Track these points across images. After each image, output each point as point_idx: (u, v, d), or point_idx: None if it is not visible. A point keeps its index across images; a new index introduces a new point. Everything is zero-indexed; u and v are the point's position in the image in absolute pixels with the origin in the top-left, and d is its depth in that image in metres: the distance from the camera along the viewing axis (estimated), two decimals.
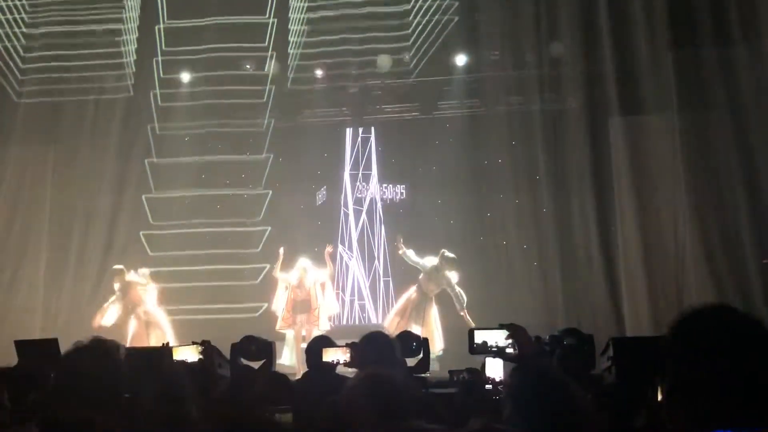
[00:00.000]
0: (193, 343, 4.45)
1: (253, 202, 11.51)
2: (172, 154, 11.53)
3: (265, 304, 10.65)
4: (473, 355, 3.11)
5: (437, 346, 9.62)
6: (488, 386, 3.86)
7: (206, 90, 11.51)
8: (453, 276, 10.03)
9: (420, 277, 10.30)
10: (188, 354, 4.42)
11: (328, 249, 10.35)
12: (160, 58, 11.41)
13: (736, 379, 1.46)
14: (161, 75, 11.46)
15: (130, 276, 10.36)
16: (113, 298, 10.28)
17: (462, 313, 9.89)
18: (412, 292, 10.20)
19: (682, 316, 1.59)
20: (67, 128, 11.19)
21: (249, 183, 11.67)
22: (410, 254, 10.36)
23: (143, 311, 10.23)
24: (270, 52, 11.32)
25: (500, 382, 4.04)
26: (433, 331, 9.81)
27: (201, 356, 4.26)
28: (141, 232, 11.32)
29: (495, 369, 4.18)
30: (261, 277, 11.09)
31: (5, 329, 9.58)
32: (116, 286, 10.33)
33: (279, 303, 10.31)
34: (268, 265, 10.91)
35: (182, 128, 11.55)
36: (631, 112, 10.16)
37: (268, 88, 11.43)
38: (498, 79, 11.03)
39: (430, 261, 10.19)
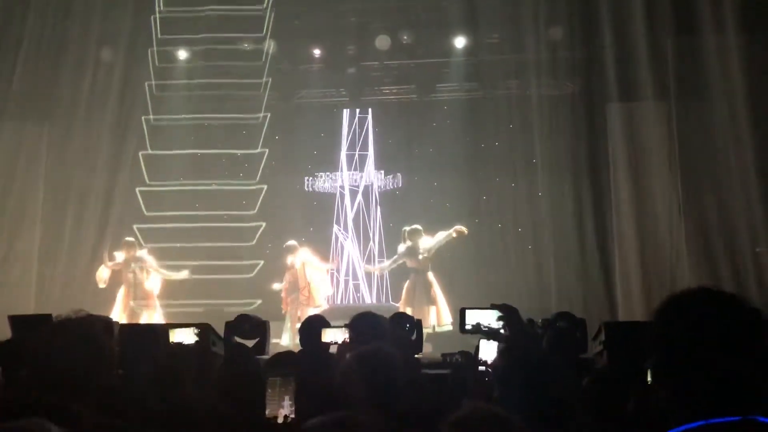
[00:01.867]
0: (190, 325, 4.46)
1: (249, 194, 11.50)
2: (169, 127, 11.47)
3: (259, 301, 10.61)
4: (464, 335, 3.13)
5: (446, 320, 9.68)
6: (481, 368, 3.88)
7: (203, 66, 11.42)
8: (426, 241, 10.06)
9: (407, 264, 10.28)
10: (184, 336, 4.43)
11: (331, 266, 10.56)
12: (155, 48, 11.29)
13: (721, 362, 1.47)
14: (156, 64, 11.34)
15: (140, 253, 10.28)
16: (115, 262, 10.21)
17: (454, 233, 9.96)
18: (408, 281, 10.20)
19: (669, 298, 1.59)
20: (62, 104, 11.10)
21: (245, 166, 11.65)
22: (386, 263, 10.60)
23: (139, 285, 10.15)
24: (267, 42, 11.22)
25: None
26: (440, 306, 9.88)
27: (197, 338, 4.28)
28: (135, 226, 11.28)
29: (489, 352, 4.20)
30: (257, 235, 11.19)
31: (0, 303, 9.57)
32: (121, 256, 10.23)
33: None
34: (264, 224, 11.01)
35: (179, 106, 11.47)
36: (629, 98, 10.14)
37: (265, 68, 11.33)
38: (496, 62, 11.00)
39: (402, 246, 10.23)
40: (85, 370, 2.17)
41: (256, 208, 11.40)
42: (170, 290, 10.50)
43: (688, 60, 9.70)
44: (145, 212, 11.29)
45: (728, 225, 9.46)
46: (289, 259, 10.23)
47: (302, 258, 10.22)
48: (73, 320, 2.34)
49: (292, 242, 10.28)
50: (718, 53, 9.49)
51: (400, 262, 10.26)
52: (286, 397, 3.12)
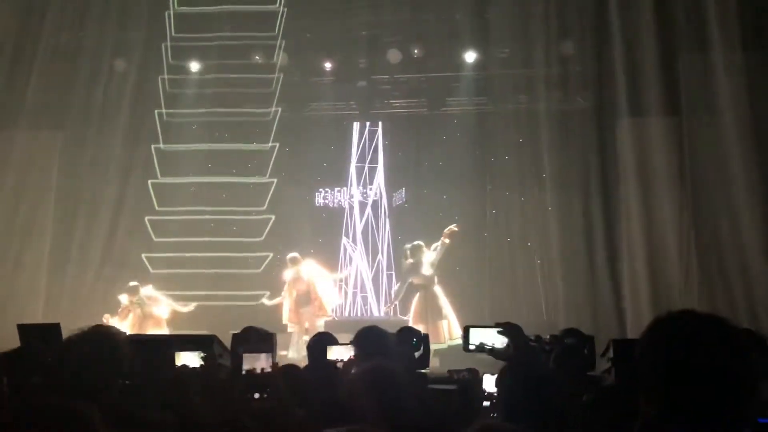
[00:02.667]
0: (195, 349, 4.45)
1: (258, 191, 11.52)
2: (179, 141, 11.55)
3: (268, 292, 10.62)
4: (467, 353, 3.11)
5: (456, 333, 9.65)
6: (486, 403, 3.82)
7: (215, 78, 11.48)
8: (428, 256, 10.09)
9: (413, 282, 10.31)
10: (190, 360, 4.43)
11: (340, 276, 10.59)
12: (169, 44, 11.38)
13: (702, 383, 1.48)
14: (170, 61, 11.43)
15: (144, 291, 10.24)
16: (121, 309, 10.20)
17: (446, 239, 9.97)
18: (416, 297, 10.21)
19: (653, 322, 1.62)
20: (74, 114, 11.18)
21: (255, 172, 11.67)
22: (398, 290, 10.71)
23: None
24: (279, 41, 11.27)
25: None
26: (451, 320, 9.87)
27: (203, 362, 4.27)
28: (146, 218, 11.36)
29: (492, 384, 4.14)
30: (264, 265, 11.17)
31: (8, 312, 9.61)
32: (125, 298, 10.19)
33: (285, 307, 10.30)
34: (270, 254, 11.02)
35: (189, 115, 11.55)
36: (639, 114, 10.12)
37: (276, 78, 11.39)
38: (507, 76, 11.01)
39: (406, 264, 10.34)
40: (103, 379, 2.22)
41: (265, 205, 11.44)
42: (179, 286, 10.56)
43: (698, 76, 9.69)
44: (153, 238, 11.34)
45: (738, 241, 9.40)
46: (289, 273, 10.19)
47: (309, 270, 10.20)
48: (95, 331, 2.40)
49: (294, 254, 10.27)
50: (727, 70, 9.47)
51: (409, 281, 10.24)
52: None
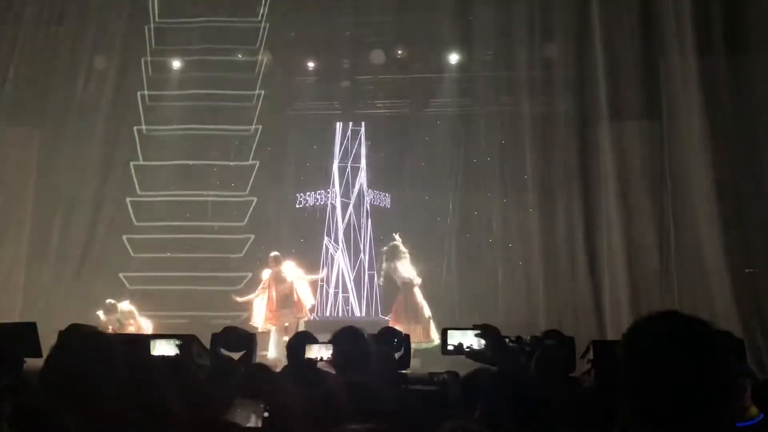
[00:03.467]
0: (171, 336, 4.42)
1: (239, 206, 11.46)
2: (161, 137, 11.45)
3: (245, 314, 10.29)
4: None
5: (434, 335, 9.60)
6: None
7: (196, 76, 11.40)
8: (403, 266, 10.06)
9: (396, 281, 10.22)
10: (165, 348, 4.39)
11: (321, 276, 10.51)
12: (152, 41, 11.29)
13: (681, 384, 1.48)
14: (150, 74, 11.31)
15: (121, 306, 10.02)
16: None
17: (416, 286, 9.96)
18: (398, 296, 10.14)
19: (633, 324, 1.63)
20: (53, 110, 11.06)
21: (235, 178, 11.63)
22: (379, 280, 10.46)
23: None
24: (262, 40, 11.22)
25: None
26: (426, 324, 9.80)
27: (178, 350, 4.23)
28: (128, 199, 11.25)
29: None
30: (245, 249, 11.14)
31: None
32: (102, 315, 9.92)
33: (257, 306, 10.14)
34: (252, 236, 11.05)
35: (171, 116, 11.44)
36: (620, 117, 10.19)
37: (259, 79, 11.33)
38: (490, 78, 11.04)
39: (384, 266, 10.28)
40: (96, 378, 2.21)
41: (245, 219, 11.35)
42: (157, 301, 10.39)
43: (678, 80, 9.77)
44: (135, 222, 11.23)
45: (719, 244, 9.47)
46: (266, 272, 10.12)
47: (290, 270, 10.14)
48: (88, 330, 2.44)
49: (276, 253, 10.20)
50: (707, 73, 9.56)
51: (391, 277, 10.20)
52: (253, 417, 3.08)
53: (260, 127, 11.40)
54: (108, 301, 10.00)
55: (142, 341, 4.86)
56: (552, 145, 10.66)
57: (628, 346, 1.59)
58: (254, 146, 11.41)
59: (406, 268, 10.06)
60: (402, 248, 10.09)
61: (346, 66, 11.58)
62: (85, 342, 2.32)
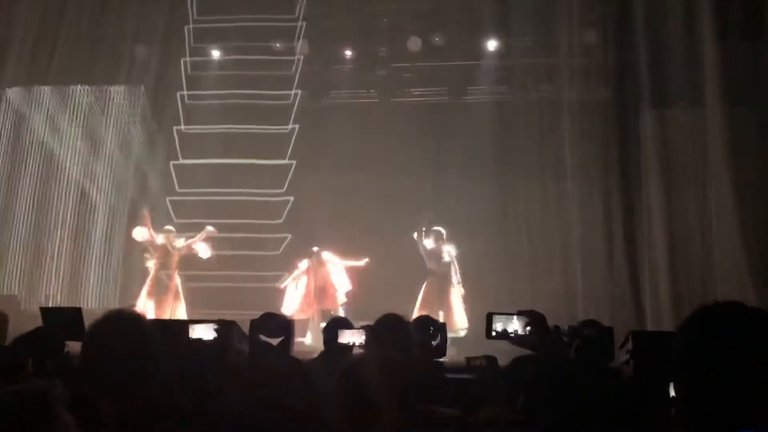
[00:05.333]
0: (210, 321, 4.48)
1: (277, 175, 11.52)
2: (200, 122, 11.59)
3: (286, 273, 10.54)
4: (490, 340, 3.10)
5: (459, 325, 9.60)
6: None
7: (234, 76, 11.47)
8: (452, 249, 9.95)
9: (428, 265, 10.10)
10: (204, 332, 4.45)
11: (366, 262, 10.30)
12: (191, 28, 11.39)
13: (747, 378, 1.45)
14: (192, 44, 11.45)
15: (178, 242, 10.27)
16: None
17: (458, 286, 9.84)
18: (426, 283, 10.02)
19: (696, 312, 1.58)
20: (96, 101, 11.27)
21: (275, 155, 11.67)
22: (425, 243, 10.09)
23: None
24: (300, 29, 11.22)
25: None
26: (454, 312, 9.76)
27: (217, 334, 4.29)
28: (168, 198, 11.42)
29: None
30: (282, 247, 11.18)
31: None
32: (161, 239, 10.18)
33: (290, 294, 10.25)
34: (289, 236, 11.03)
35: (210, 97, 11.54)
36: (663, 104, 10.01)
37: (296, 64, 11.36)
38: (529, 65, 10.92)
39: (427, 243, 10.06)
40: (133, 363, 2.23)
41: (283, 217, 11.41)
42: (194, 299, 10.54)
43: (724, 66, 9.54)
44: (174, 218, 11.40)
45: (763, 236, 9.28)
46: (304, 262, 10.18)
47: (328, 261, 10.18)
48: (127, 313, 2.41)
49: (316, 248, 10.23)
50: (755, 60, 9.33)
51: (424, 256, 10.08)
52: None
53: (297, 126, 11.44)
54: (167, 227, 10.29)
55: (180, 325, 4.94)
56: (592, 133, 10.51)
57: (693, 332, 1.55)
58: (291, 144, 11.46)
59: (445, 255, 9.98)
60: (443, 235, 10.00)
61: (383, 54, 11.56)
62: (120, 325, 2.34)
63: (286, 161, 11.52)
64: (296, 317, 9.93)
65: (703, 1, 9.51)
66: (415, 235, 10.06)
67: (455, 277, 9.95)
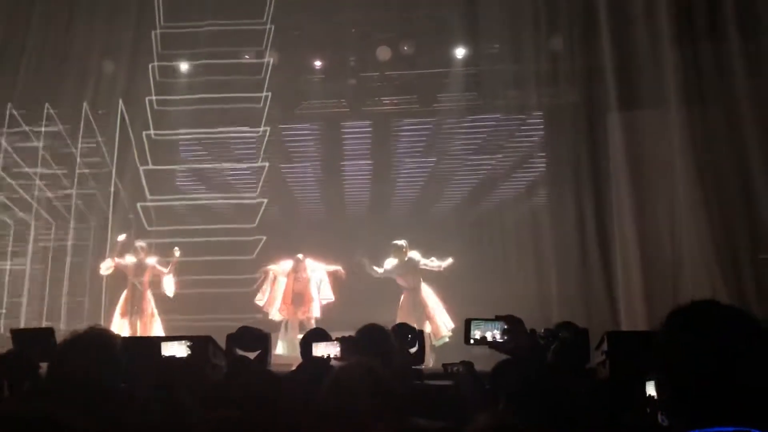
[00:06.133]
0: (183, 338, 4.45)
1: (249, 207, 11.48)
2: (168, 142, 11.54)
3: (260, 315, 10.31)
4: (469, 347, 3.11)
5: (446, 329, 9.53)
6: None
7: (204, 79, 11.40)
8: (415, 254, 9.79)
9: (397, 281, 9.96)
10: (176, 349, 4.42)
11: (340, 269, 10.16)
12: (156, 64, 11.33)
13: (727, 375, 1.48)
14: (157, 78, 11.35)
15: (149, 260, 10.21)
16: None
17: (443, 267, 9.75)
18: (402, 299, 9.91)
19: (674, 311, 1.61)
20: (64, 116, 11.10)
21: (244, 181, 11.69)
22: (380, 271, 9.89)
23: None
24: (268, 40, 11.20)
25: None
26: (437, 319, 9.71)
27: (190, 351, 4.26)
28: (138, 204, 11.30)
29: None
30: (257, 251, 11.11)
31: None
32: (131, 259, 10.13)
33: (271, 293, 10.18)
34: (264, 237, 11.01)
35: (179, 121, 11.46)
36: (630, 107, 10.14)
37: (266, 79, 11.33)
38: (497, 72, 11.01)
39: (390, 262, 9.86)
40: (101, 381, 2.20)
41: (257, 221, 11.35)
42: (171, 305, 10.43)
43: (689, 67, 9.71)
44: (146, 226, 11.28)
45: (730, 233, 9.43)
46: (287, 263, 10.11)
47: (312, 270, 10.13)
48: (93, 333, 2.39)
49: (300, 255, 10.12)
50: (718, 60, 9.50)
51: (390, 276, 9.93)
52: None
53: (269, 128, 11.40)
54: (139, 243, 10.22)
55: (152, 343, 4.90)
56: (561, 136, 10.63)
57: (673, 332, 1.58)
58: (263, 148, 11.42)
59: (414, 271, 9.86)
60: (404, 248, 9.84)
61: (352, 63, 11.59)
62: (88, 343, 2.31)
63: (258, 164, 11.46)
64: (273, 316, 9.94)
65: (662, 4, 9.68)
66: (367, 267, 9.89)
67: (436, 267, 9.78)
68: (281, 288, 10.17)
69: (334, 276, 10.17)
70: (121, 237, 10.35)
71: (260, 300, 10.16)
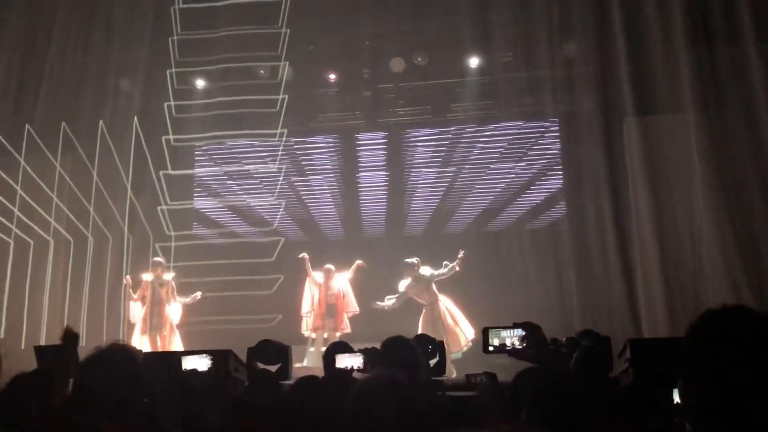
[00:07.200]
0: (203, 352, 4.48)
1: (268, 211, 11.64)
2: (186, 165, 11.69)
3: (280, 316, 10.54)
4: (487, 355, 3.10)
5: (468, 336, 9.47)
6: None
7: (220, 87, 11.48)
8: (426, 270, 9.70)
9: (415, 299, 9.83)
10: (197, 362, 4.45)
11: (359, 262, 10.15)
12: (174, 70, 11.44)
13: (755, 381, 1.46)
14: (175, 86, 11.47)
15: (167, 276, 10.23)
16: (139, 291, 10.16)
17: (458, 264, 9.62)
18: (422, 314, 9.76)
19: (701, 317, 1.59)
20: (83, 135, 11.23)
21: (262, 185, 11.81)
22: (394, 301, 9.76)
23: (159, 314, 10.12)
24: (283, 62, 11.27)
25: None
26: (457, 330, 9.65)
27: (211, 364, 4.29)
28: (157, 245, 11.35)
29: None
30: (275, 287, 11.08)
31: (27, 335, 9.77)
32: (148, 276, 10.15)
33: (307, 305, 10.19)
34: (282, 276, 10.96)
35: (196, 139, 11.61)
36: (646, 112, 10.09)
37: (281, 94, 11.40)
38: (511, 80, 11.00)
39: (404, 283, 9.76)
40: (124, 396, 2.24)
41: (275, 224, 11.48)
42: (192, 308, 10.46)
43: (705, 71, 9.65)
44: (167, 232, 11.37)
45: (750, 237, 9.34)
46: (321, 276, 10.12)
47: (340, 283, 10.12)
48: (113, 347, 2.41)
49: (330, 266, 10.12)
50: (734, 63, 9.44)
51: (407, 297, 9.81)
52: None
53: (285, 130, 11.46)
54: (155, 258, 10.32)
55: (172, 357, 4.93)
56: (578, 143, 10.60)
57: (699, 342, 1.56)
58: (280, 152, 11.50)
59: (429, 286, 9.77)
60: (416, 265, 9.76)
61: (366, 76, 11.64)
62: (110, 359, 2.35)
63: (275, 167, 11.56)
64: (307, 330, 9.95)
65: (676, 8, 9.64)
66: (384, 305, 9.78)
67: (451, 272, 9.68)
68: (315, 300, 10.16)
69: (356, 271, 10.15)
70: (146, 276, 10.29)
71: (308, 315, 10.13)
